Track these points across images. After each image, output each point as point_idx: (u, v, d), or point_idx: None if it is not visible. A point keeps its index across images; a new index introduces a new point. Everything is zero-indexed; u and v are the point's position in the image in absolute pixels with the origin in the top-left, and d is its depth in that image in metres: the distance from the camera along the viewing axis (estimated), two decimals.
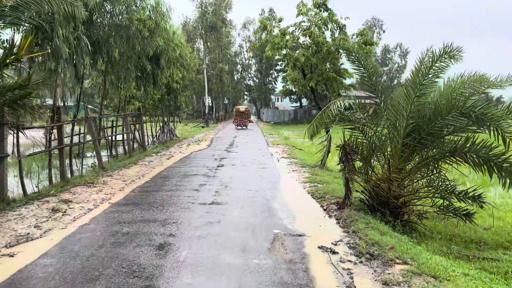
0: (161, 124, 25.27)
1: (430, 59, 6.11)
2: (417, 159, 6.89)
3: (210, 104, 51.84)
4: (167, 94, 23.16)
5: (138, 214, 7.19)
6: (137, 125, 19.56)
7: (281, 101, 77.75)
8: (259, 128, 40.76)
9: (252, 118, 51.59)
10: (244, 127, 37.60)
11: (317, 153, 19.93)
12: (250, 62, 70.02)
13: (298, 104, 64.89)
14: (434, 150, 6.52)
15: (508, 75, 6.35)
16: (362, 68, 7.65)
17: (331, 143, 12.07)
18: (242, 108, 40.77)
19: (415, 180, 7.07)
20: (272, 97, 75.80)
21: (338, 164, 7.38)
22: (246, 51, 69.09)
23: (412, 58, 76.38)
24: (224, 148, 19.78)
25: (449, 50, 5.90)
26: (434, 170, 6.80)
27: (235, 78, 67.39)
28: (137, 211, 7.37)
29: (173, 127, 27.40)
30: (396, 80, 73.79)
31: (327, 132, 12.10)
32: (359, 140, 7.24)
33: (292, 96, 61.27)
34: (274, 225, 6.49)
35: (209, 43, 53.26)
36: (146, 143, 22.86)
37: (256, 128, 41.94)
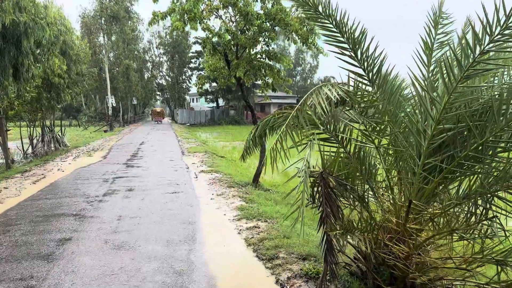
0: (42, 130, 19.61)
1: None
2: (452, 194, 3.78)
3: (115, 105, 45.47)
4: (47, 91, 17.77)
5: None
6: None
7: (197, 101, 73.41)
8: (173, 131, 36.11)
9: (166, 119, 67.97)
10: (160, 122, 56.38)
11: (240, 160, 16.81)
12: (162, 59, 64.56)
13: (214, 104, 61.14)
14: (490, 177, 3.46)
15: None
16: (338, 34, 4.32)
17: (265, 154, 8.83)
18: (158, 109, 61.11)
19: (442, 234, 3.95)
20: (187, 97, 70.96)
21: (308, 205, 3.97)
22: (156, 48, 63.44)
23: (323, 59, 77.37)
24: (125, 160, 15.25)
25: None
26: (480, 214, 3.75)
27: (145, 77, 61.22)
28: None
29: (60, 134, 21.73)
30: (309, 80, 74.43)
31: (262, 147, 8.69)
32: (348, 163, 3.89)
33: (208, 96, 57.59)
34: None
35: (113, 37, 46.97)
36: (18, 157, 17.36)
37: (170, 131, 37.22)
